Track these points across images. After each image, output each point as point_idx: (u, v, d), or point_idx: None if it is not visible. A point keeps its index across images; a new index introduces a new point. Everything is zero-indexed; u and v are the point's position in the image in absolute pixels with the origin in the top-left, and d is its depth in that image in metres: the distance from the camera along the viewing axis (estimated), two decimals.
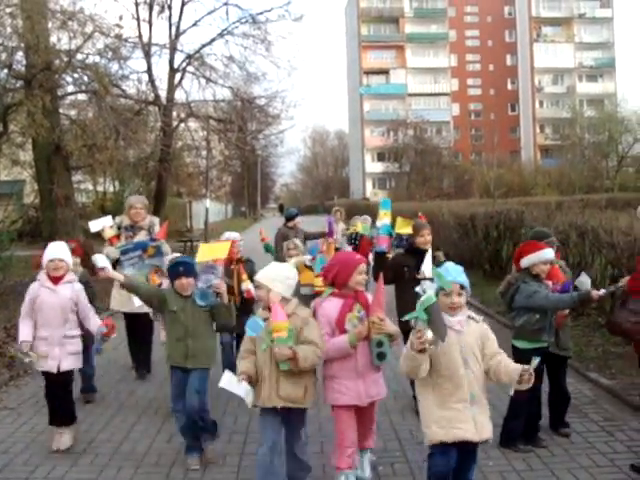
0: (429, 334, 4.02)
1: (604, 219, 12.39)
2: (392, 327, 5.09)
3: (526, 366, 4.10)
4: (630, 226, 11.17)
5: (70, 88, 20.57)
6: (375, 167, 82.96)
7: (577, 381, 8.15)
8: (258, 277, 5.02)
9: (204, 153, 37.05)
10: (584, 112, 74.18)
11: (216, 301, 5.79)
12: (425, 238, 7.21)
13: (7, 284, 17.08)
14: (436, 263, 5.86)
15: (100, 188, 40.23)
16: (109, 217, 8.89)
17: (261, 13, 28.07)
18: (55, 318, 6.23)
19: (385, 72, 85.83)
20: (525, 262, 6.09)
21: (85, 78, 19.57)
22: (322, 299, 5.18)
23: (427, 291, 4.16)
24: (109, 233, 8.65)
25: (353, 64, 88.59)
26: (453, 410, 4.28)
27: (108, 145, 18.59)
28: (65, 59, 18.64)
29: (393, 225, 7.56)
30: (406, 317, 4.20)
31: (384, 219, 7.46)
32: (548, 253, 6.09)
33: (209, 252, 6.11)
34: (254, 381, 4.86)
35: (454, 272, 4.46)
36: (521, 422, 6.09)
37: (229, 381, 4.70)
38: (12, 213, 22.07)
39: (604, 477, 5.42)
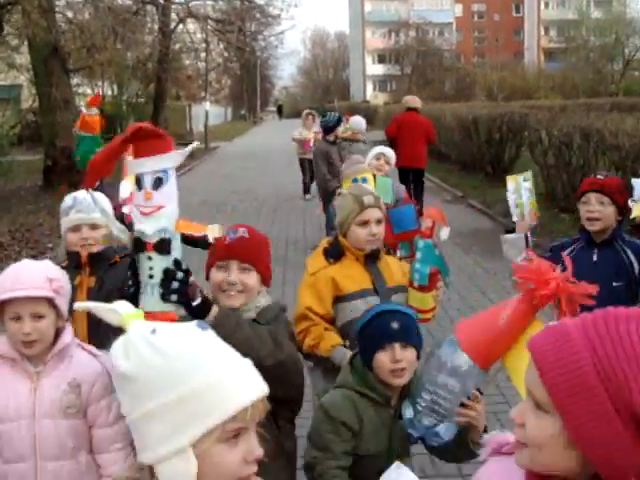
0: None
1: (609, 121, 12.29)
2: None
3: None
4: (636, 128, 11.11)
5: None
6: (376, 69, 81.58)
7: None
8: None
9: (203, 55, 36.47)
10: (591, 13, 72.44)
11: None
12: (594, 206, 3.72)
13: (9, 188, 17.41)
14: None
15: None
16: None
17: None
18: None
19: None
20: None
21: None
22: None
23: None
24: None
25: None
26: None
27: (107, 45, 18.27)
28: None
29: None
30: None
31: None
32: None
33: None
34: None
35: None
36: None
37: None
38: (10, 118, 21.94)
39: None
